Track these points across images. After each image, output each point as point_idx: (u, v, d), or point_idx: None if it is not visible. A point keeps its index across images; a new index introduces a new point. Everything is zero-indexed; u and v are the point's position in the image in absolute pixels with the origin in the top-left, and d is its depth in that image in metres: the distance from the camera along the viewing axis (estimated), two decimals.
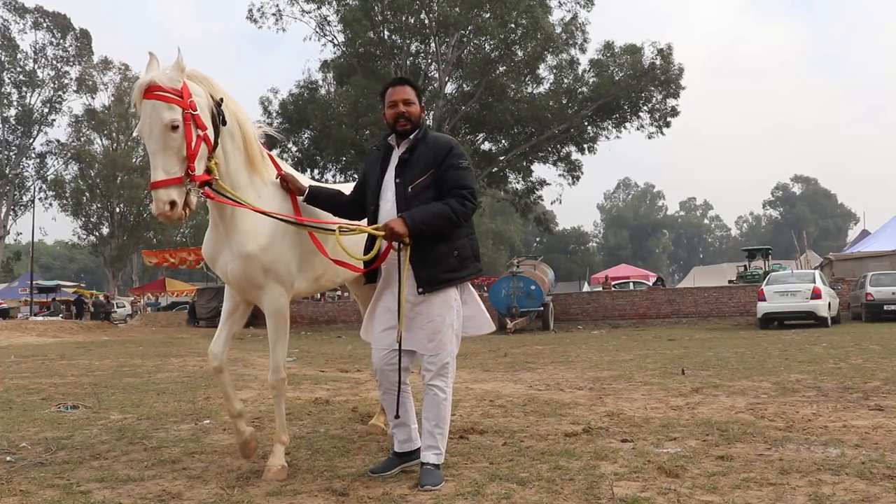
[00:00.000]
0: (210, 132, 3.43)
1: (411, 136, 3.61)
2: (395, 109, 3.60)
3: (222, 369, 3.92)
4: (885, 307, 19.22)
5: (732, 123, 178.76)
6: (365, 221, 3.84)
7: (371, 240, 3.63)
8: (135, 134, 3.35)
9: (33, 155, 46.50)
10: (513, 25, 28.67)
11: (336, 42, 31.44)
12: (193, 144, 3.30)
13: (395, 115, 3.61)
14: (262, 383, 8.26)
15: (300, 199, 3.87)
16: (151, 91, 3.26)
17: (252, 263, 3.66)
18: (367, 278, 3.80)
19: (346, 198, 3.92)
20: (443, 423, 3.58)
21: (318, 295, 31.53)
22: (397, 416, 3.61)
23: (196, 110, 3.35)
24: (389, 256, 3.58)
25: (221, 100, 3.57)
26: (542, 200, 36.07)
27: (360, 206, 3.84)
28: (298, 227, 3.76)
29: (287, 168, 4.05)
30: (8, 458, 4.28)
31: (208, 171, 3.43)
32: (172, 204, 3.22)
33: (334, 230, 3.62)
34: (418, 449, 3.64)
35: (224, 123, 3.56)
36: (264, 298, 3.77)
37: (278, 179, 3.85)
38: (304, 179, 4.12)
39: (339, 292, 30.95)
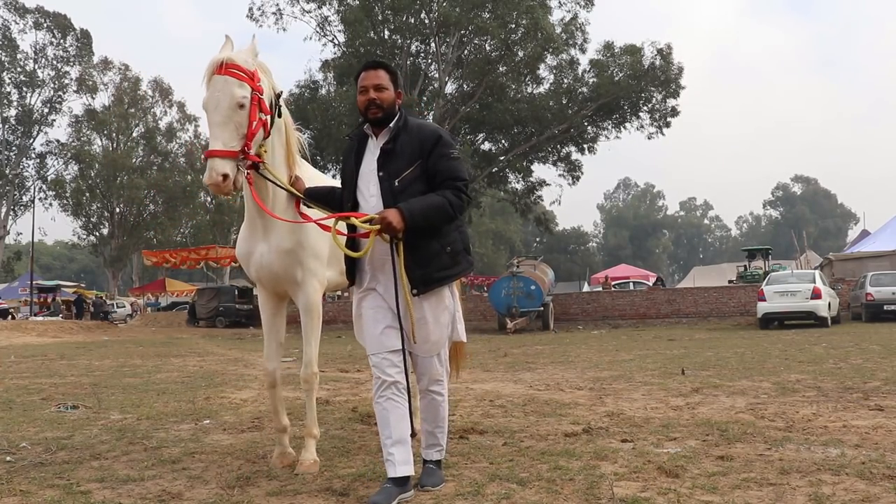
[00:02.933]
0: (268, 119, 3.52)
1: (391, 125, 3.33)
2: (366, 96, 3.32)
3: (276, 384, 4.01)
4: (885, 307, 19.23)
5: (732, 123, 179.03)
6: None
7: (351, 232, 3.39)
8: (201, 106, 3.41)
9: (33, 155, 46.53)
10: (513, 25, 28.72)
11: (336, 42, 31.51)
12: (255, 125, 3.38)
13: (366, 101, 3.32)
14: (263, 383, 8.26)
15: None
16: (227, 67, 3.36)
17: (291, 258, 3.76)
18: (349, 278, 3.53)
19: (338, 194, 3.70)
20: (443, 423, 3.51)
21: None
22: (419, 428, 3.46)
23: (263, 94, 3.47)
24: (377, 253, 3.30)
25: (280, 93, 3.69)
26: (542, 200, 36.16)
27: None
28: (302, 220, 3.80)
29: (305, 169, 4.05)
30: (8, 458, 4.28)
31: (257, 155, 3.49)
32: (225, 176, 3.27)
33: (332, 220, 3.46)
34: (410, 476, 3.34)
35: (279, 115, 3.68)
36: (300, 293, 3.86)
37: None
38: (307, 169, 4.14)
39: (339, 292, 30.95)
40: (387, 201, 3.23)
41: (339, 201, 3.64)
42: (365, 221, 3.21)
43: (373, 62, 3.47)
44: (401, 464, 3.23)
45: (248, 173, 3.44)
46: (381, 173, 3.28)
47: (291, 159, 3.87)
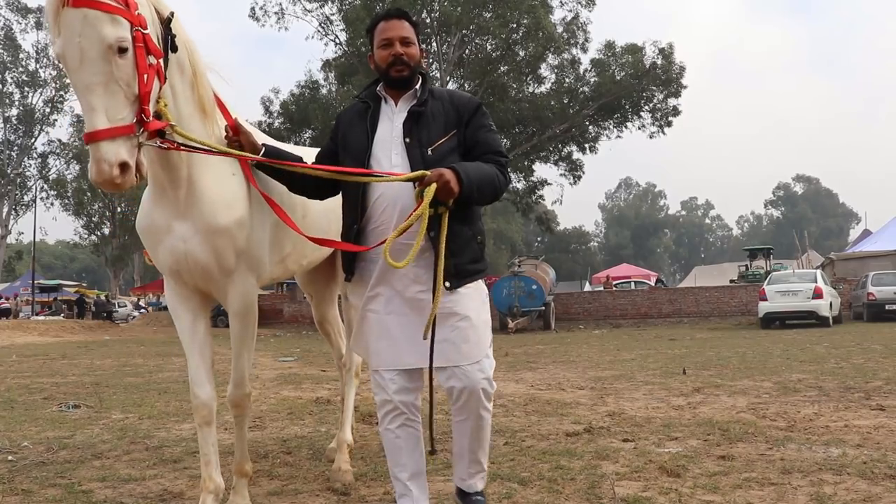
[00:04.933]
0: (161, 63, 2.47)
1: (418, 87, 2.75)
2: (391, 50, 2.69)
3: (211, 421, 2.94)
4: (887, 307, 19.24)
5: (734, 123, 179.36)
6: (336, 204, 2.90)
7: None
8: (53, 56, 2.34)
9: (35, 154, 46.57)
10: (514, 25, 28.71)
11: (338, 41, 31.50)
12: (147, 77, 2.35)
13: (391, 56, 2.68)
14: (265, 383, 8.26)
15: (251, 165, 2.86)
16: None
17: (225, 242, 2.75)
18: (346, 272, 2.80)
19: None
20: (486, 445, 2.79)
21: None
22: (432, 452, 2.78)
23: (147, 28, 2.37)
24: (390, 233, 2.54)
25: (172, 15, 2.56)
26: (544, 200, 36.12)
27: (327, 180, 2.77)
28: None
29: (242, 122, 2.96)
30: (10, 458, 4.29)
31: (157, 115, 2.48)
32: (123, 167, 2.26)
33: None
34: None
35: (175, 49, 2.56)
36: (232, 290, 2.85)
37: (227, 132, 2.87)
38: (258, 136, 3.04)
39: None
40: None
41: (307, 178, 2.82)
42: (410, 179, 2.53)
43: (395, 10, 2.80)
44: (419, 499, 2.68)
45: (159, 144, 2.50)
46: (407, 140, 2.65)
47: (207, 106, 2.77)
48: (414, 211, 2.47)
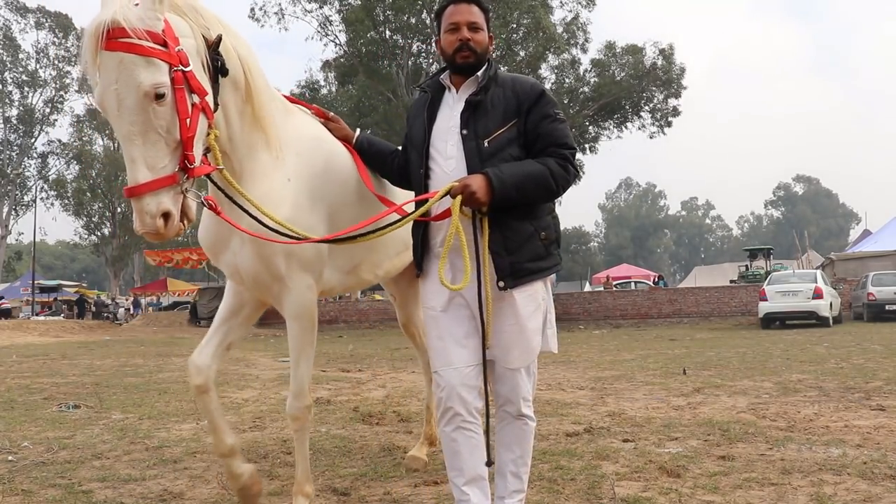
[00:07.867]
0: (210, 96, 2.36)
1: (480, 74, 2.61)
2: (457, 35, 2.58)
3: (208, 389, 2.84)
4: (887, 307, 19.25)
5: (734, 123, 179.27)
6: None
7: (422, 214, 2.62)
8: (94, 103, 2.35)
9: (35, 155, 46.62)
10: (514, 25, 28.72)
11: (338, 42, 31.52)
12: (189, 120, 2.25)
13: (456, 42, 2.58)
14: (265, 383, 8.26)
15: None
16: (115, 37, 2.11)
17: (270, 247, 2.64)
18: (417, 268, 2.75)
19: (396, 163, 2.93)
20: (529, 459, 2.67)
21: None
22: (489, 463, 2.57)
23: (188, 65, 2.26)
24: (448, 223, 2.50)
25: (219, 38, 2.44)
26: None
27: (398, 173, 2.91)
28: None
29: (296, 120, 2.96)
30: (10, 458, 4.29)
31: (206, 150, 2.41)
32: (167, 216, 2.22)
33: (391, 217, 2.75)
34: None
35: (225, 73, 2.48)
36: (285, 295, 2.78)
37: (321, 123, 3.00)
38: (299, 121, 3.04)
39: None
40: (472, 165, 2.52)
41: (392, 173, 2.94)
42: (441, 197, 2.48)
43: None
44: None
45: (203, 200, 2.45)
46: (464, 131, 2.56)
47: (263, 111, 2.65)
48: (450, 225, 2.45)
